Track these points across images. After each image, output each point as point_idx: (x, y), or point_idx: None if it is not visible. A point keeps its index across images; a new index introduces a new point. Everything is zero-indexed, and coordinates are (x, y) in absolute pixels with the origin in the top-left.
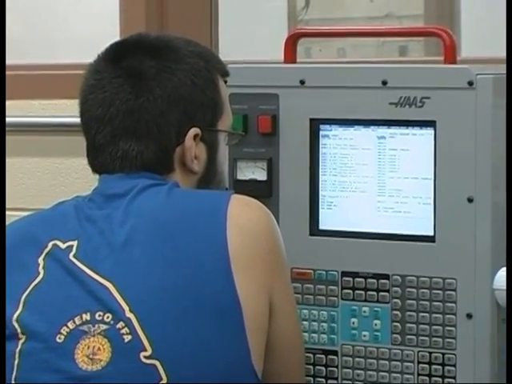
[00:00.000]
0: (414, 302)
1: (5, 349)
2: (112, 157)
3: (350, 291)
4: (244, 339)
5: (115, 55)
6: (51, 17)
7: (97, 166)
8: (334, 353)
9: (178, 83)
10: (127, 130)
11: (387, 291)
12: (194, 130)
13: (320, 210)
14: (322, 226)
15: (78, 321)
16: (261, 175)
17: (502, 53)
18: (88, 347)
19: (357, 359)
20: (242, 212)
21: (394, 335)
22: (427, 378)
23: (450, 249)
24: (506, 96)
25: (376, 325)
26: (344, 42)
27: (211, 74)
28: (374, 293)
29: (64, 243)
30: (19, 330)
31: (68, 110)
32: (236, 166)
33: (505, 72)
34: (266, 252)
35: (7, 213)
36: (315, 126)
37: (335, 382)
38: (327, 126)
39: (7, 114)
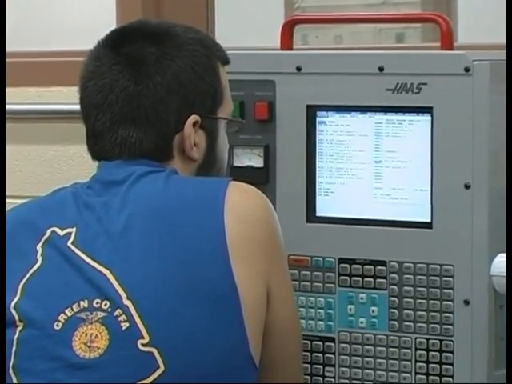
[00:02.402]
0: (411, 288)
1: (5, 338)
2: (111, 143)
3: (347, 278)
4: (241, 326)
5: (115, 42)
6: (47, 4)
7: (96, 152)
8: (332, 339)
9: (177, 70)
10: (126, 116)
11: (384, 278)
12: (193, 118)
13: (317, 197)
14: (318, 213)
15: (75, 308)
16: (257, 162)
17: (499, 39)
18: (86, 335)
19: (354, 346)
20: (239, 199)
21: (392, 322)
22: (425, 364)
23: (447, 235)
24: (506, 82)
25: (373, 311)
26: (341, 29)
27: (211, 61)
28: (371, 279)
29: (62, 230)
30: (17, 318)
31: (64, 98)
32: (232, 153)
33: (502, 58)
34: (264, 239)
35: None
36: (312, 112)
37: (332, 368)
38: (324, 113)
39: None
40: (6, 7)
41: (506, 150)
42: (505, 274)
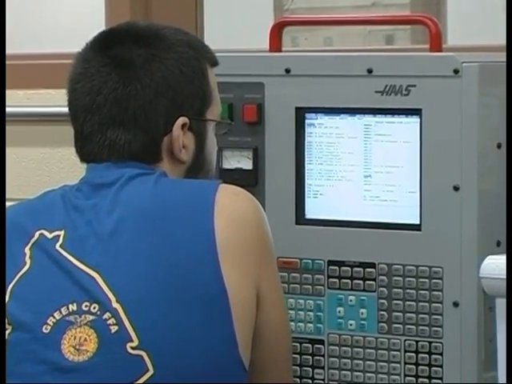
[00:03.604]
0: (401, 290)
1: (5, 339)
2: (100, 146)
3: (337, 280)
4: (231, 329)
5: (103, 44)
6: (37, 7)
7: (84, 154)
8: (321, 342)
9: (166, 72)
10: (115, 118)
11: (373, 280)
12: (181, 120)
13: (306, 199)
14: (308, 215)
15: (64, 311)
16: (246, 164)
17: (489, 41)
18: (74, 338)
19: (343, 348)
20: (229, 202)
21: (381, 324)
22: (414, 366)
23: (436, 237)
24: (506, 83)
25: (362, 313)
26: (331, 31)
27: (200, 63)
28: (361, 281)
29: (51, 233)
30: (5, 321)
31: (53, 100)
32: (221, 155)
33: (491, 60)
34: (254, 242)
35: None
36: (301, 114)
37: (322, 371)
38: (313, 115)
39: None
40: (5, 10)
41: (506, 150)
42: (494, 276)
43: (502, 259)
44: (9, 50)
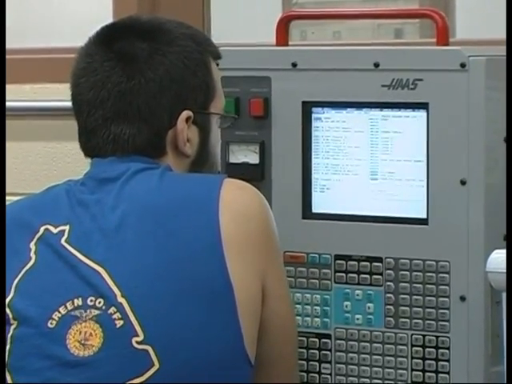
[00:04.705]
0: (408, 284)
1: (5, 338)
2: (104, 140)
3: (343, 274)
4: (236, 324)
5: (106, 38)
6: (44, 0)
7: (89, 149)
8: (328, 336)
9: (169, 66)
10: (119, 113)
11: (380, 274)
12: (186, 113)
13: (313, 193)
14: (314, 209)
15: (69, 306)
16: (253, 158)
17: (496, 34)
18: (80, 332)
19: (350, 342)
20: (234, 196)
21: (388, 318)
22: (421, 360)
23: (443, 231)
24: (506, 78)
25: (369, 308)
26: (339, 25)
27: (203, 56)
28: (367, 276)
29: (56, 228)
30: (11, 316)
31: (60, 94)
32: (228, 150)
33: (497, 54)
34: (259, 236)
35: None
36: (307, 108)
37: (328, 365)
38: (319, 109)
39: None
40: (5, 6)
41: (506, 147)
42: (500, 271)
43: None
44: (15, 45)
